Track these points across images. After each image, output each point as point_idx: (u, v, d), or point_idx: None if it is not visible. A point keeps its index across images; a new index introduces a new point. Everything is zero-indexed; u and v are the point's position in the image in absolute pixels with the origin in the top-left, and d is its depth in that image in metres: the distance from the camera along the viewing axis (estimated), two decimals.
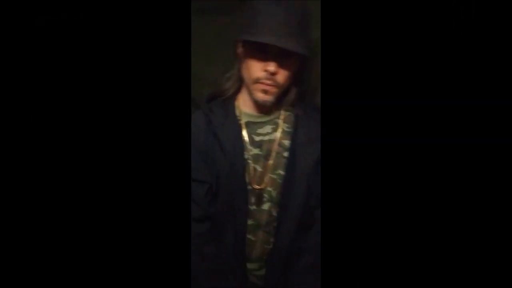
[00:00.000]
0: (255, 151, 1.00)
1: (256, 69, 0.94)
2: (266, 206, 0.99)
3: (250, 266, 1.01)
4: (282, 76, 0.94)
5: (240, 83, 1.02)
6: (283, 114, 1.03)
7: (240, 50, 0.97)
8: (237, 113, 1.02)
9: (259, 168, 0.99)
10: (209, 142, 0.99)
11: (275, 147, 1.00)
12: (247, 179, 0.98)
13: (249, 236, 1.00)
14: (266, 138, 1.01)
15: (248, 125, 1.01)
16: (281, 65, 0.93)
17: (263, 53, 0.91)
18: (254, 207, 0.99)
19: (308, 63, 1.01)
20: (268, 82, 0.93)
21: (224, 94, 1.03)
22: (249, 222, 0.99)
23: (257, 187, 0.99)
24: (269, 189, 0.99)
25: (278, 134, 1.01)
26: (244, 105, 1.03)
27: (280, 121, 1.02)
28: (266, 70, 0.92)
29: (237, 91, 1.03)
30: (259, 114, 1.02)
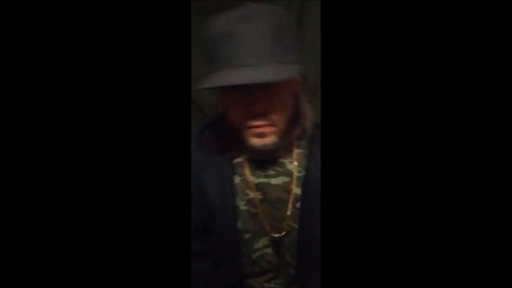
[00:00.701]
0: (255, 195, 0.84)
1: (240, 115, 0.75)
2: (287, 257, 0.85)
3: None
4: (276, 112, 0.75)
5: (232, 132, 0.82)
6: (294, 151, 0.84)
7: (220, 94, 0.78)
8: (237, 159, 0.84)
9: (266, 214, 0.83)
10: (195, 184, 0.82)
11: (283, 194, 0.83)
12: (240, 226, 0.84)
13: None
14: (269, 181, 0.83)
15: (245, 163, 0.84)
16: (269, 99, 0.73)
17: (242, 92, 0.72)
18: (271, 254, 0.85)
19: (304, 79, 0.84)
20: (261, 123, 0.75)
21: (222, 151, 0.85)
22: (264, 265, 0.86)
23: (277, 235, 0.82)
24: (289, 239, 0.84)
25: (284, 178, 0.83)
26: (246, 151, 0.83)
27: (287, 162, 0.84)
28: (252, 113, 0.73)
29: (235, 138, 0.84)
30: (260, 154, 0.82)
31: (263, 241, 0.85)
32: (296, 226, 0.83)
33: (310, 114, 0.82)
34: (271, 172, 0.83)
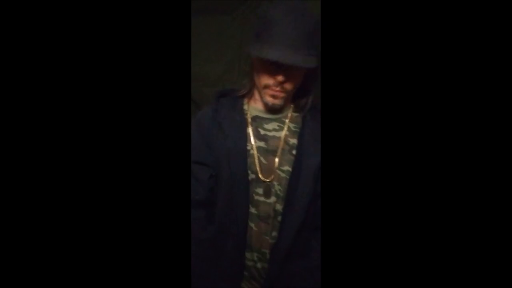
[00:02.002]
0: (260, 143, 1.06)
1: (266, 77, 1.01)
2: (272, 200, 1.03)
3: (248, 255, 1.04)
4: (290, 84, 1.02)
5: (252, 86, 1.10)
6: (290, 114, 1.10)
7: (253, 60, 1.05)
8: (245, 108, 1.10)
9: (264, 161, 1.04)
10: (213, 130, 1.07)
11: (281, 143, 1.06)
12: (250, 169, 1.04)
13: (250, 224, 1.03)
14: (272, 134, 1.07)
15: (255, 119, 1.08)
16: (289, 75, 1.00)
17: (272, 64, 0.97)
18: (262, 198, 1.03)
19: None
20: (277, 88, 1.02)
21: (235, 94, 1.12)
22: (252, 211, 1.03)
23: (266, 179, 1.04)
24: (276, 183, 1.04)
25: (284, 132, 1.07)
26: (254, 103, 1.10)
27: (287, 121, 1.09)
28: (275, 79, 1.00)
29: (249, 92, 1.11)
30: (267, 112, 1.09)
31: (259, 188, 1.06)
32: (285, 172, 1.05)
33: (313, 92, 1.09)
34: (276, 127, 1.08)
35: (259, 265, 1.04)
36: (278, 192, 1.03)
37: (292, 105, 1.09)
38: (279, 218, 1.03)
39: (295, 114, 1.09)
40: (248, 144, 1.05)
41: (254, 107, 1.09)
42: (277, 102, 1.03)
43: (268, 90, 1.02)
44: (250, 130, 1.07)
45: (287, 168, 1.04)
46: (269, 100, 1.03)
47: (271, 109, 1.07)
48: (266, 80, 1.01)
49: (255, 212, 1.04)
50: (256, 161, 1.04)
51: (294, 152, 1.05)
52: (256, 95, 1.08)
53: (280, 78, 0.99)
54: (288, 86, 1.01)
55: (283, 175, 1.04)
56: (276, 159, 1.04)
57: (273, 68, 0.98)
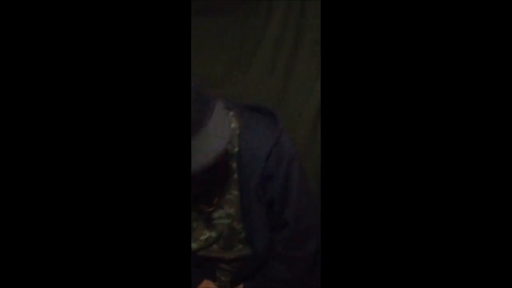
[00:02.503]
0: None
1: None
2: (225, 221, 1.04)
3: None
4: None
5: None
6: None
7: None
8: None
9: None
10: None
11: (225, 172, 1.02)
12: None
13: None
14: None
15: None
16: None
17: None
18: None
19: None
20: None
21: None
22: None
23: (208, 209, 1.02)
24: (225, 208, 1.04)
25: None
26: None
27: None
28: None
29: None
30: None
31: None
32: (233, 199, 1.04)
33: None
34: None
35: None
36: (231, 214, 1.03)
37: None
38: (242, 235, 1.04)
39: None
40: None
41: None
42: None
43: None
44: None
45: (234, 192, 1.03)
46: None
47: None
48: None
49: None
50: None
51: (235, 176, 1.02)
52: None
53: None
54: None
55: (231, 198, 1.03)
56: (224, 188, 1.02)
57: None
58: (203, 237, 1.05)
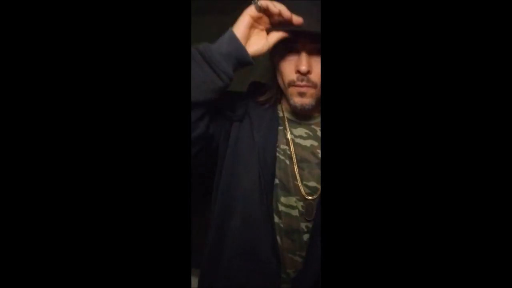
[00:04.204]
0: (285, 147, 0.95)
1: (289, 72, 0.90)
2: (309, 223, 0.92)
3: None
4: (317, 75, 0.88)
5: (279, 92, 0.97)
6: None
7: (273, 56, 0.94)
8: (280, 114, 0.98)
9: (290, 171, 0.93)
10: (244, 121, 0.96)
11: (310, 157, 0.94)
12: (279, 175, 0.93)
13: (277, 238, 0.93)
14: (297, 140, 0.96)
15: (284, 120, 0.97)
16: (314, 63, 0.88)
17: (294, 53, 0.88)
18: (299, 216, 0.93)
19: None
20: (303, 83, 0.89)
21: (265, 104, 0.98)
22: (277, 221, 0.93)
23: (309, 197, 0.92)
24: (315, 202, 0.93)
25: (312, 141, 0.95)
26: (286, 110, 0.98)
27: (318, 129, 0.96)
28: (298, 71, 0.88)
29: (279, 99, 0.99)
30: (298, 117, 0.97)
31: (290, 200, 0.93)
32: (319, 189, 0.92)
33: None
34: (303, 134, 0.95)
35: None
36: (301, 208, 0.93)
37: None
38: (306, 236, 0.92)
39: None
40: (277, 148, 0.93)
41: (287, 116, 0.97)
42: (307, 101, 0.90)
43: (294, 88, 0.90)
44: (284, 134, 0.94)
45: (316, 185, 0.93)
46: (297, 100, 0.90)
47: (302, 113, 0.95)
48: (290, 75, 0.89)
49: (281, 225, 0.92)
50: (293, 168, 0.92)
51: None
52: (286, 103, 0.96)
53: (303, 65, 0.86)
54: (315, 77, 0.88)
55: (308, 195, 0.93)
56: (301, 173, 0.93)
57: (295, 56, 0.88)
58: None
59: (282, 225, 0.93)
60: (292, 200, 0.94)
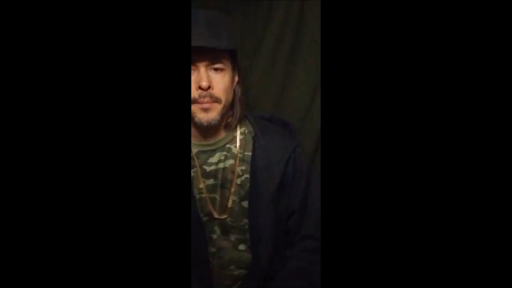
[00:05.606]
0: (209, 182, 0.97)
1: (193, 89, 0.90)
2: (233, 238, 0.98)
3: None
4: (218, 90, 0.90)
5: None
6: (237, 136, 0.99)
7: None
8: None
9: (217, 197, 0.97)
10: None
11: (230, 175, 0.97)
12: (201, 211, 0.97)
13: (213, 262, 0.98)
14: (220, 166, 0.98)
15: (198, 155, 0.97)
16: (214, 78, 0.90)
17: (192, 71, 0.89)
18: (219, 236, 0.98)
19: (244, 73, 1.01)
20: (205, 100, 0.89)
21: None
22: (212, 250, 0.98)
23: (220, 217, 0.97)
24: (232, 219, 0.98)
25: (231, 161, 0.98)
26: (193, 137, 0.97)
27: (233, 147, 0.99)
28: (199, 87, 0.89)
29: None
30: (208, 142, 0.98)
31: (212, 225, 0.99)
32: (238, 201, 0.98)
33: (242, 99, 0.98)
34: (221, 158, 0.97)
35: None
36: (239, 228, 0.97)
37: (230, 123, 0.96)
38: (248, 255, 0.98)
39: (241, 136, 0.98)
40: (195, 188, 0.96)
41: (194, 142, 0.97)
42: (212, 116, 0.90)
43: (197, 105, 0.90)
44: (196, 171, 0.96)
45: (242, 204, 0.97)
46: (202, 117, 0.90)
47: (210, 132, 0.96)
48: (192, 93, 0.89)
49: (214, 250, 0.98)
50: (208, 201, 0.96)
51: (245, 183, 0.97)
52: (192, 126, 0.95)
53: (203, 83, 0.87)
54: (217, 92, 0.90)
55: (239, 210, 0.97)
56: (228, 193, 0.96)
57: (194, 72, 0.89)
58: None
59: (218, 251, 1.00)
60: (214, 225, 0.99)
